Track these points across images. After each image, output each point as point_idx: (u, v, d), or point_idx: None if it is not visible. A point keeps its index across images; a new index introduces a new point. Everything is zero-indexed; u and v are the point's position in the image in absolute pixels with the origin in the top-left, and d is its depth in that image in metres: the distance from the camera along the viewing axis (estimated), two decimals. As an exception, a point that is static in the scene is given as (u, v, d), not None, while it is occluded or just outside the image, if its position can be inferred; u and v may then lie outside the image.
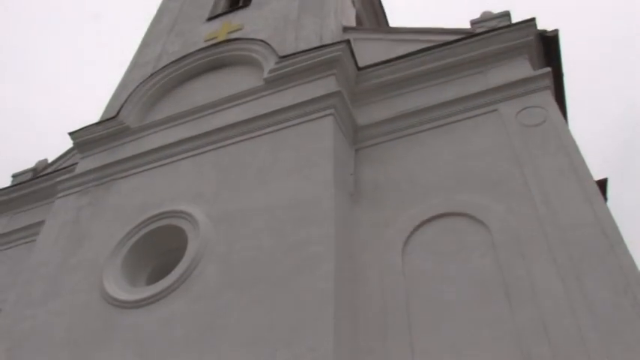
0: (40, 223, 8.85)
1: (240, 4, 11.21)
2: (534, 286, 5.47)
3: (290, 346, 5.24)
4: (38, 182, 10.08)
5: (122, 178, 8.20)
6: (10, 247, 9.69)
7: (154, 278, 6.88)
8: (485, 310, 5.51)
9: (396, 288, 5.98)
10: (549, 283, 5.43)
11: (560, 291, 5.35)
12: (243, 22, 10.12)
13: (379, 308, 5.90)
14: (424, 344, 5.50)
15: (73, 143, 9.37)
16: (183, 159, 7.85)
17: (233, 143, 7.63)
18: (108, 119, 9.17)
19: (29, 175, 10.55)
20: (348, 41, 8.30)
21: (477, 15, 8.78)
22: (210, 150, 7.73)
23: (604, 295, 5.20)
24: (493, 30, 8.12)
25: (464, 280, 5.80)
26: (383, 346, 5.60)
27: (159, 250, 7.21)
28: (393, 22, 15.11)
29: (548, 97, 7.25)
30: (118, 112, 9.05)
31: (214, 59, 9.30)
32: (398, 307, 5.83)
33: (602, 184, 8.60)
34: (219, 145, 7.71)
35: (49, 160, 10.78)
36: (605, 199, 8.03)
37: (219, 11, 11.24)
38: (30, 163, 10.96)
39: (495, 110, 7.32)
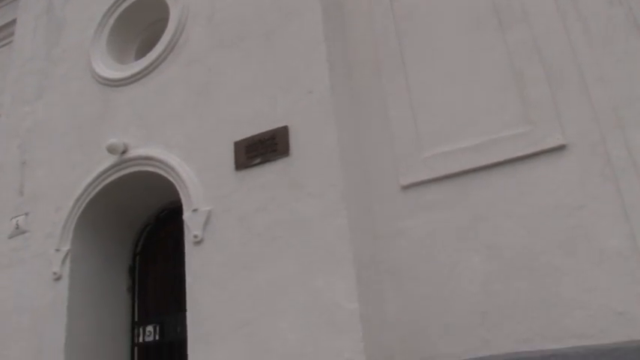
0: (13, 22, 8.52)
1: None
2: (525, 7, 5.30)
3: (288, 92, 5.29)
4: (-1, -22, 9.47)
5: (89, -43, 7.65)
6: (-12, 54, 9.47)
7: (141, 53, 6.78)
8: (477, 38, 5.42)
9: (387, 27, 5.86)
10: (541, 2, 5.27)
11: (552, 9, 5.18)
12: None
13: (371, 48, 5.85)
14: (419, 77, 5.54)
15: None
16: None
17: None
18: None
19: (-12, -27, 9.86)
20: None
21: None
22: None
23: (597, 7, 5.01)
24: None
25: (453, 11, 5.65)
26: (378, 82, 5.66)
27: (142, 25, 7.00)
28: None
29: None
30: None
31: None
32: (390, 45, 5.77)
33: None
34: None
35: (5, -45, 10.02)
36: None
37: None
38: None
39: None
